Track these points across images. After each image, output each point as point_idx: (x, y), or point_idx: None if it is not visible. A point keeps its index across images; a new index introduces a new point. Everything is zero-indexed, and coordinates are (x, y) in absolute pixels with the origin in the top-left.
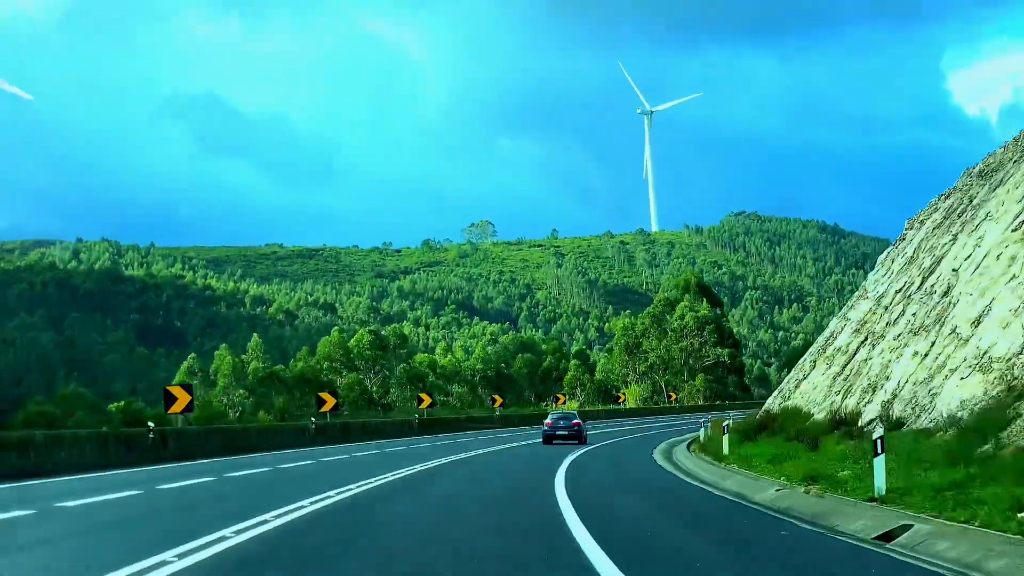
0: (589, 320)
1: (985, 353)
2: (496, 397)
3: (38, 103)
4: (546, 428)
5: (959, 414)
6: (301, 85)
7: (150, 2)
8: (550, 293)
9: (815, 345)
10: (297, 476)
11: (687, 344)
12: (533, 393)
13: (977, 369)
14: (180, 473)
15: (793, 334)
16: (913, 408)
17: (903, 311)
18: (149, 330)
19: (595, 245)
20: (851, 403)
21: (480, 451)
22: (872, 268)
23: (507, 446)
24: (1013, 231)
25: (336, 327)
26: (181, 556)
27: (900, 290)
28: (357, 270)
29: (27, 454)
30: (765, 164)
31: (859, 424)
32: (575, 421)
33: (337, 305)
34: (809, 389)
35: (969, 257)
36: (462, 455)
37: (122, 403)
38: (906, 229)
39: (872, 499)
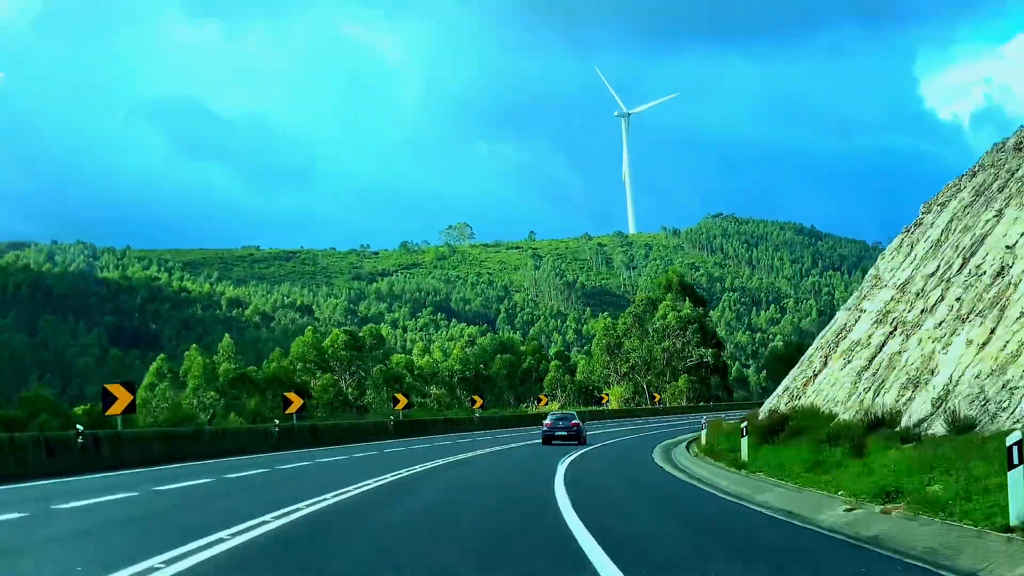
0: (567, 322)
1: None
2: (476, 398)
3: (13, 105)
4: (545, 428)
5: None
6: (278, 88)
7: (127, 5)
8: (528, 295)
9: (820, 340)
10: (239, 489)
11: (669, 344)
12: (513, 395)
13: None
14: (97, 487)
15: (771, 335)
16: (984, 406)
17: (942, 296)
18: (123, 332)
19: (573, 247)
20: (887, 401)
21: (461, 456)
22: (849, 269)
23: (491, 450)
24: None
25: (310, 327)
26: None
27: (933, 274)
28: (334, 272)
29: None
30: (742, 166)
31: (902, 424)
32: (574, 422)
33: (314, 307)
34: (826, 387)
35: None
36: (440, 461)
37: (87, 405)
38: (922, 213)
39: (1007, 528)
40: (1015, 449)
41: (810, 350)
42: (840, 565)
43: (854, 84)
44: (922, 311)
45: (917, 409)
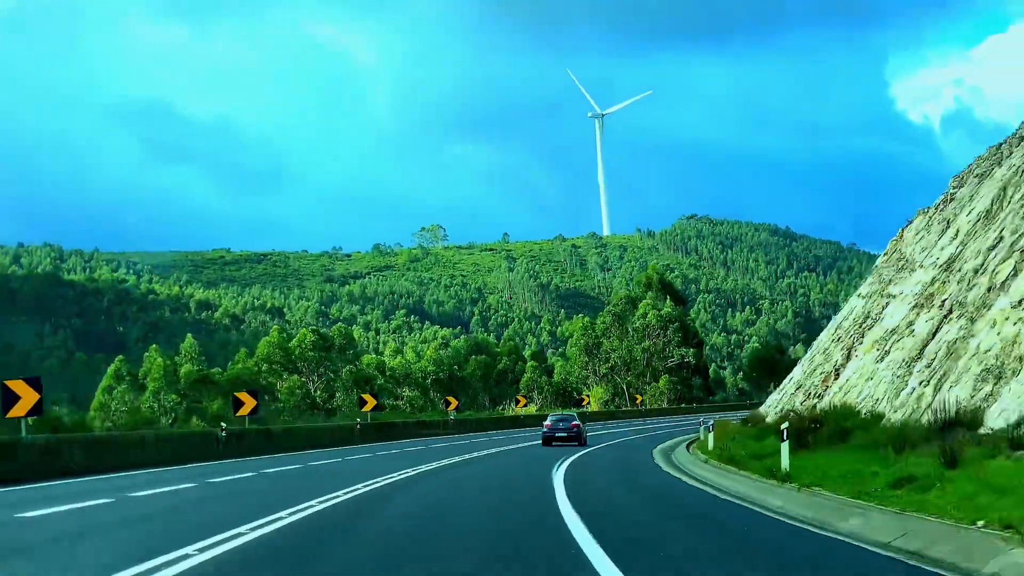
0: (541, 324)
1: None
2: (451, 399)
3: None
4: (545, 430)
5: None
6: (249, 91)
7: (94, 7)
8: (501, 297)
9: (831, 332)
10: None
11: (650, 344)
12: (488, 397)
13: None
14: None
15: (747, 337)
16: None
17: (1015, 271)
18: (89, 336)
19: (547, 249)
20: (958, 396)
21: (434, 464)
22: (824, 270)
23: (469, 456)
24: None
25: (276, 327)
26: None
27: (992, 248)
28: (306, 275)
29: None
30: (715, 168)
31: (987, 424)
32: (575, 423)
33: (285, 309)
34: (858, 382)
35: None
36: (409, 471)
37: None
38: (953, 188)
39: None
40: None
41: (820, 343)
42: None
43: (826, 86)
44: (989, 289)
45: (1011, 406)
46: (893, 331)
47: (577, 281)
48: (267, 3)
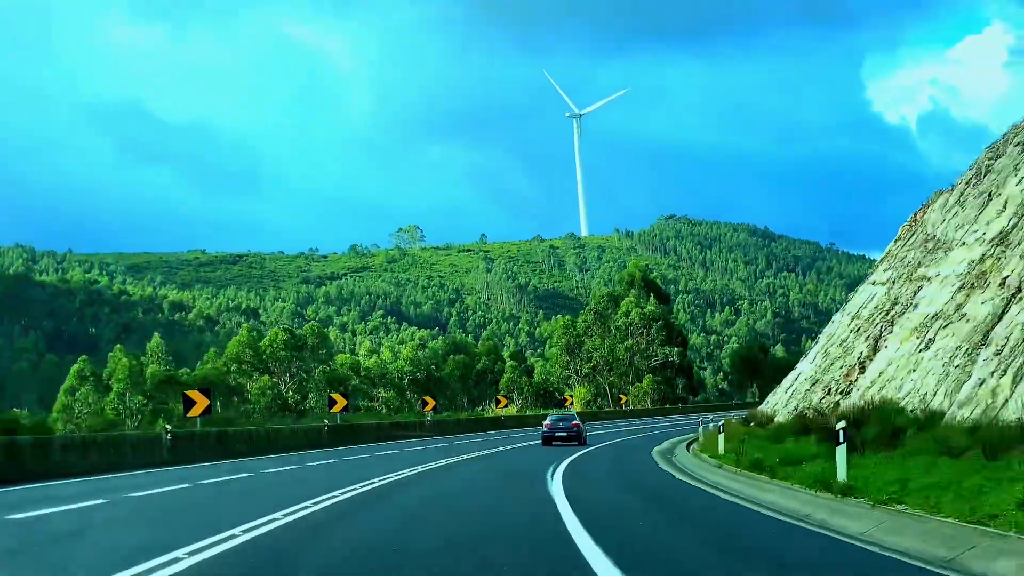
0: (520, 325)
1: None
2: (427, 399)
3: None
4: (545, 430)
5: None
6: (225, 92)
7: (68, 7)
8: (479, 298)
9: (846, 323)
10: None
11: (633, 343)
12: (467, 397)
13: None
14: None
15: (726, 337)
16: None
17: None
18: (60, 337)
19: (525, 249)
20: None
21: (406, 472)
22: (804, 271)
23: (448, 461)
24: None
25: (245, 326)
26: None
27: None
28: (282, 276)
29: None
30: (693, 168)
31: None
32: (575, 422)
33: (260, 310)
34: (897, 374)
35: None
36: (377, 481)
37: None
38: (988, 159)
39: None
40: None
41: (835, 335)
42: None
43: (803, 87)
44: None
45: None
46: (935, 316)
47: (555, 282)
48: (244, 4)
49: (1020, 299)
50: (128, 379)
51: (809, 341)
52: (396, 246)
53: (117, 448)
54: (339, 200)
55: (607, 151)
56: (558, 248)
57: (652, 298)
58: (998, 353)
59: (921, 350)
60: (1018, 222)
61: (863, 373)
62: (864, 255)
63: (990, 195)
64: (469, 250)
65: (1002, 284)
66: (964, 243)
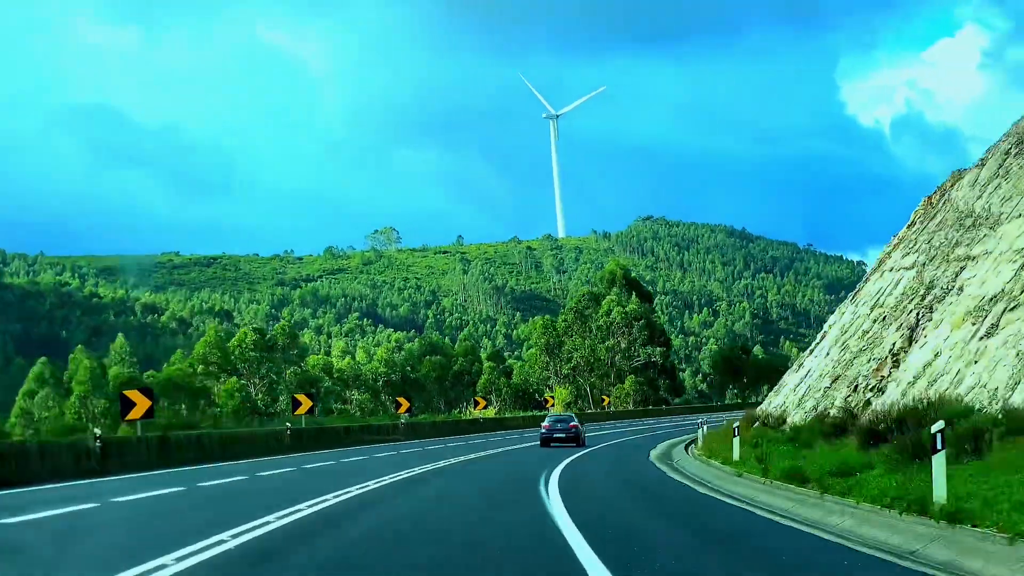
0: (497, 327)
1: None
2: (401, 400)
3: None
4: (543, 431)
5: None
6: (199, 95)
7: (40, 10)
8: (456, 300)
9: (866, 312)
10: None
11: (614, 343)
12: (443, 400)
13: None
14: None
15: (704, 339)
16: None
17: None
18: (29, 340)
19: (502, 251)
20: None
21: (372, 484)
22: (782, 271)
23: (421, 469)
24: None
25: (212, 325)
26: None
27: None
28: (257, 278)
29: None
30: (670, 170)
31: None
32: (573, 423)
33: (235, 313)
34: (953, 366)
35: None
36: (330, 499)
37: None
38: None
39: None
40: None
41: (854, 326)
42: None
43: (778, 89)
44: None
45: None
46: (994, 299)
47: (533, 283)
48: (218, 8)
49: None
50: (89, 381)
51: (788, 342)
52: (372, 248)
53: (24, 458)
54: (314, 202)
55: (583, 152)
56: (535, 249)
57: (634, 296)
58: None
59: (982, 337)
60: None
61: (897, 367)
62: (842, 256)
63: None
64: (446, 252)
65: None
66: (1012, 216)
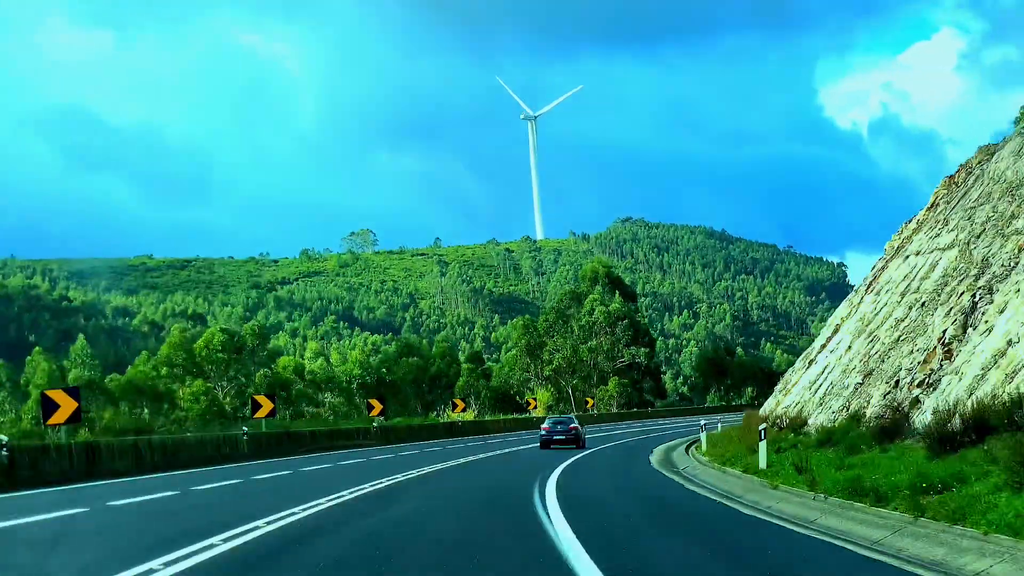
0: (475, 329)
1: None
2: (373, 402)
3: None
4: (543, 433)
5: None
6: (173, 98)
7: (12, 10)
8: (434, 303)
9: (897, 298)
10: None
11: (597, 343)
12: (420, 403)
13: None
14: None
15: (685, 341)
16: None
17: None
18: None
19: (480, 253)
20: None
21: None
22: (762, 273)
23: (391, 481)
24: None
25: (177, 326)
26: None
27: None
28: (232, 281)
29: None
30: (649, 172)
31: None
32: (572, 425)
33: (208, 316)
34: None
35: None
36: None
37: None
38: None
39: None
40: None
41: (873, 315)
42: None
43: (756, 91)
44: None
45: None
46: None
47: (511, 286)
48: (192, 10)
49: None
50: (48, 384)
51: (768, 344)
52: (348, 250)
53: None
54: (290, 205)
55: (562, 154)
56: (513, 251)
57: (617, 295)
58: None
59: None
60: None
61: (950, 358)
62: (822, 257)
63: None
64: (423, 254)
65: None
66: None
